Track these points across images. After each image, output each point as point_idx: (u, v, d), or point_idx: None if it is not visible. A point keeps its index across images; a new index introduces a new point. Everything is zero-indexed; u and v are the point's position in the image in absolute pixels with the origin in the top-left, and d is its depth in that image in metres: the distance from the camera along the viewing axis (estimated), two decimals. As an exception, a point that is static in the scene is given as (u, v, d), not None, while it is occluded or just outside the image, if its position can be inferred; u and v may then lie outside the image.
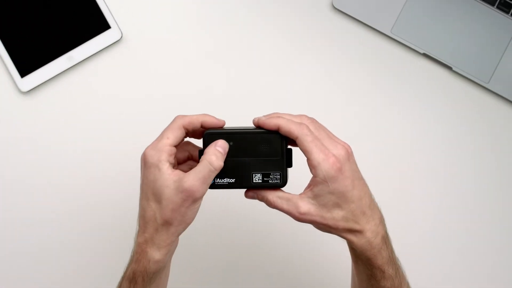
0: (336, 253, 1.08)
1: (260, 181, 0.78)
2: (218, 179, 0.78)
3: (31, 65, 1.07)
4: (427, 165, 1.12)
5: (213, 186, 0.78)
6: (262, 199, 0.79)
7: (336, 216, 0.76)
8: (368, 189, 0.78)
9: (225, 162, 0.77)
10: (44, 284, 1.07)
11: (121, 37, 1.09)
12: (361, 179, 0.78)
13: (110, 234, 1.07)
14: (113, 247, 1.07)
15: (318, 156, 0.74)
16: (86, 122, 1.08)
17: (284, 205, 0.77)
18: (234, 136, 0.78)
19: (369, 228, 0.77)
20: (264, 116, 0.79)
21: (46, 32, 1.08)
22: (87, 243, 1.07)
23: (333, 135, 0.78)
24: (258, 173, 0.78)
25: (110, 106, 1.09)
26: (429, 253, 1.11)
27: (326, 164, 0.74)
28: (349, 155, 0.76)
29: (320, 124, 0.79)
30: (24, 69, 1.07)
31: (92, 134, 1.08)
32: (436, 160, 1.12)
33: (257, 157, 0.78)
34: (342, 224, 0.76)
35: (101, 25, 1.09)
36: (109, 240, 1.08)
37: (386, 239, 0.79)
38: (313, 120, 0.78)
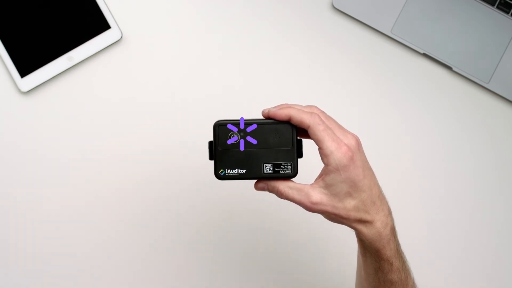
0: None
1: (271, 171, 0.78)
2: (228, 169, 0.78)
3: (31, 65, 1.07)
4: (426, 165, 1.12)
5: (224, 177, 0.78)
6: (272, 190, 0.79)
7: (347, 205, 0.76)
8: (376, 179, 0.79)
9: (236, 152, 0.77)
10: (45, 284, 1.06)
11: (121, 37, 1.08)
12: (370, 169, 0.78)
13: (108, 234, 1.07)
14: (112, 249, 1.07)
15: (330, 144, 0.75)
16: (86, 122, 1.08)
17: (296, 195, 0.77)
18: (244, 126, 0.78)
19: (379, 219, 0.77)
20: (274, 107, 0.79)
21: (46, 32, 1.07)
22: (86, 244, 1.07)
23: (342, 126, 0.79)
24: (269, 163, 0.78)
25: (110, 106, 1.09)
26: (429, 253, 1.11)
27: (338, 153, 0.75)
28: (359, 145, 0.77)
29: (329, 116, 0.79)
30: (24, 69, 1.07)
31: (92, 134, 1.08)
32: (435, 160, 1.12)
33: (267, 147, 0.78)
34: (353, 214, 0.76)
35: (101, 25, 1.08)
36: (109, 240, 1.07)
37: (394, 231, 0.80)
38: (322, 111, 0.79)
